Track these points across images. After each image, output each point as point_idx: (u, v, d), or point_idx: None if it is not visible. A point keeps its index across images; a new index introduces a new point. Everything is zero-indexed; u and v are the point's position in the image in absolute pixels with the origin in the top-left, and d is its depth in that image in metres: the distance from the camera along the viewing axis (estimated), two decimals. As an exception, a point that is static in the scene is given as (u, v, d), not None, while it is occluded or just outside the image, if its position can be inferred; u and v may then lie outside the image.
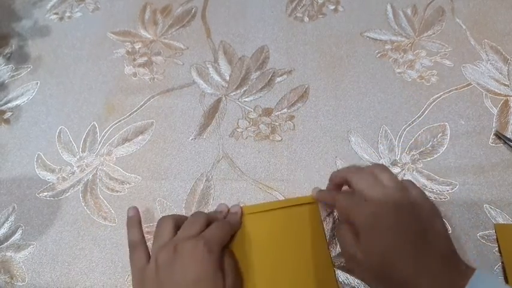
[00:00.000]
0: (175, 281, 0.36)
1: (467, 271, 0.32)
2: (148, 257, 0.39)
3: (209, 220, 0.41)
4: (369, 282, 0.37)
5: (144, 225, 0.46)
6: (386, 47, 0.57)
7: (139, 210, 0.47)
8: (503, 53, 0.55)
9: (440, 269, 0.32)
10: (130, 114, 0.54)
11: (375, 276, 0.34)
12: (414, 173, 0.47)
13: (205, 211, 0.47)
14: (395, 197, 0.35)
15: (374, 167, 0.39)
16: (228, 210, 0.45)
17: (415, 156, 0.48)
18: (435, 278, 0.31)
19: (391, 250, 0.33)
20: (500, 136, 0.48)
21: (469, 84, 0.53)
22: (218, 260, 0.37)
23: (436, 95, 0.52)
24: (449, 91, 0.53)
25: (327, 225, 0.45)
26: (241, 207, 0.45)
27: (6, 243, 0.47)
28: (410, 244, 0.33)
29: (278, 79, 0.56)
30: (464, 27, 0.58)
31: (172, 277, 0.36)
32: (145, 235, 0.42)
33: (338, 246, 0.43)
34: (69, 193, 0.49)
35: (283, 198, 0.47)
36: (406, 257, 0.32)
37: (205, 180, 0.49)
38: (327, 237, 0.44)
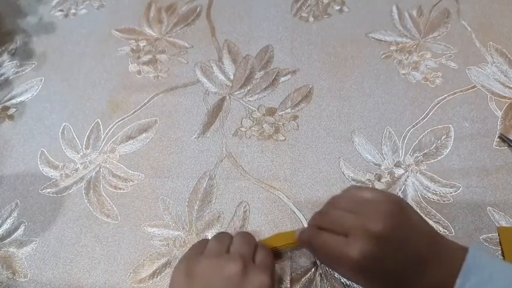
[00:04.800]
0: None
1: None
2: None
3: None
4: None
5: (145, 223, 0.46)
6: (391, 48, 0.57)
7: (142, 208, 0.47)
8: (509, 55, 0.55)
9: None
10: (134, 112, 0.54)
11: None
12: (418, 174, 0.47)
13: (208, 210, 0.47)
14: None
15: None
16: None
17: (419, 157, 0.48)
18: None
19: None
20: (504, 139, 0.48)
21: (474, 86, 0.53)
22: None
23: (441, 97, 0.52)
24: (454, 93, 0.52)
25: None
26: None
27: (8, 239, 0.47)
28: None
29: (282, 79, 0.56)
30: (469, 29, 0.58)
31: None
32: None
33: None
34: (72, 190, 0.49)
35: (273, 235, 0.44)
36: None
37: (208, 179, 0.49)
38: None
